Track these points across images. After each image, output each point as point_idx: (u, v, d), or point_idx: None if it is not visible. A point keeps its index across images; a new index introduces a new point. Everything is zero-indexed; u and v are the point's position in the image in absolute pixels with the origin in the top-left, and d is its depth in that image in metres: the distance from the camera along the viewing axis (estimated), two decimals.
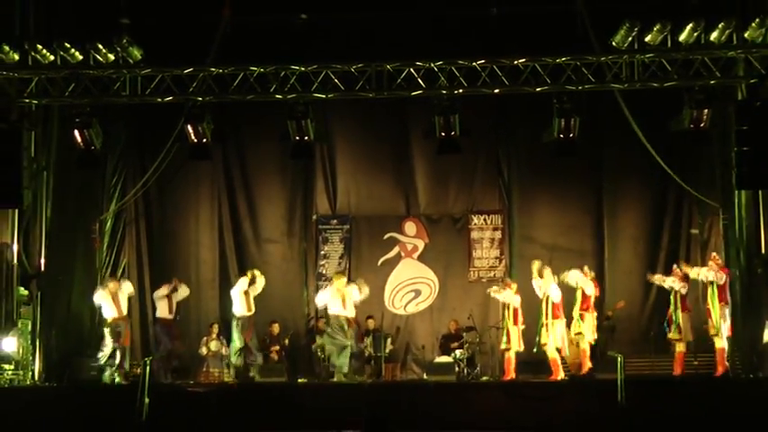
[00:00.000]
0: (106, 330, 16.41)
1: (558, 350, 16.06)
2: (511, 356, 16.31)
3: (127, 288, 16.88)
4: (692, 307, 16.11)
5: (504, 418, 13.92)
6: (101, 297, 16.53)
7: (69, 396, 15.12)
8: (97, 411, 14.21)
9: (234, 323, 16.91)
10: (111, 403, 14.39)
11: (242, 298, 16.87)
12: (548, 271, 16.24)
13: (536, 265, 16.40)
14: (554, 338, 16.00)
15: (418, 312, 18.80)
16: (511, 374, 16.26)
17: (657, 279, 16.47)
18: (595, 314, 16.33)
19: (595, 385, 15.08)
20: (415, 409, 13.98)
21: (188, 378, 17.05)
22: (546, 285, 16.11)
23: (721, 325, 15.52)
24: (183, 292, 17.20)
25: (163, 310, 17.16)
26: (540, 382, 15.82)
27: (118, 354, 16.35)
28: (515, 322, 16.28)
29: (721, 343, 15.58)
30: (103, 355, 16.38)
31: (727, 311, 15.67)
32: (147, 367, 14.01)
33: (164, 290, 17.11)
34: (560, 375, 15.97)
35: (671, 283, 16.03)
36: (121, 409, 13.78)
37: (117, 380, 16.29)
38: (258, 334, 17.55)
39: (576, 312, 16.13)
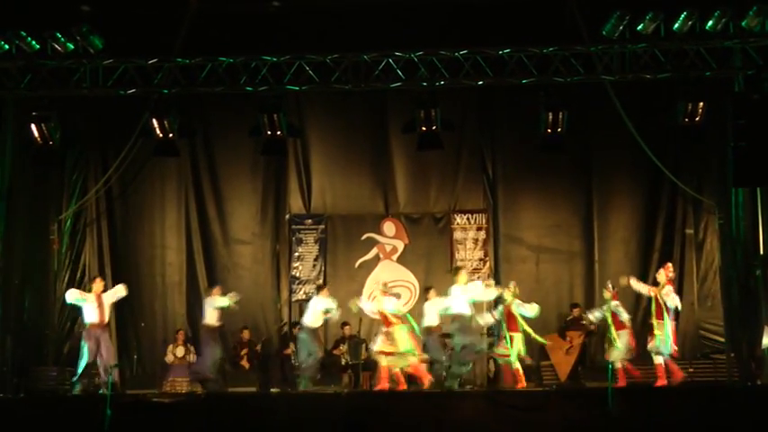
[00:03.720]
0: (84, 337, 15.46)
1: None
2: (515, 364, 15.47)
3: (117, 291, 15.89)
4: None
5: (488, 428, 13.36)
6: (81, 298, 15.63)
7: (25, 408, 14.47)
8: (55, 424, 13.52)
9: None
10: (71, 415, 13.68)
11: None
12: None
13: None
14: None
15: None
16: (522, 383, 15.46)
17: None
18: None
19: (584, 394, 14.73)
20: (394, 418, 13.39)
21: (152, 388, 16.56)
22: None
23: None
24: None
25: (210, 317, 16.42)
26: (526, 391, 15.31)
27: (99, 365, 15.39)
28: (515, 328, 15.47)
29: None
30: (81, 367, 15.32)
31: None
32: (110, 377, 13.59)
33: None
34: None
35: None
36: (81, 421, 13.20)
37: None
38: (227, 340, 17.30)
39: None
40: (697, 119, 15.89)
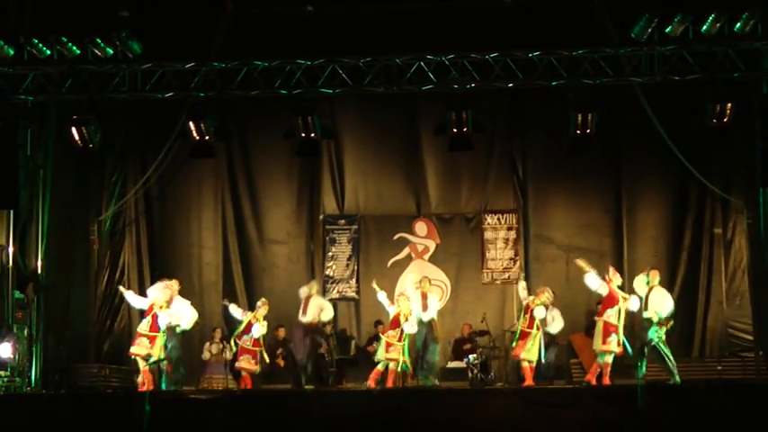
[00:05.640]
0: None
1: None
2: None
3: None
4: None
5: (519, 426, 13.57)
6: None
7: (68, 404, 14.70)
8: (96, 420, 13.84)
9: None
10: (111, 411, 14.03)
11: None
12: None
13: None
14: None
15: None
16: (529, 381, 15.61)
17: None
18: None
19: (614, 391, 14.64)
20: (427, 416, 13.60)
21: (190, 384, 16.65)
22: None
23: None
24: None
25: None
26: (557, 389, 15.49)
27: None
28: (530, 326, 15.56)
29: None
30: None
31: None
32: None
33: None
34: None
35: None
36: (121, 417, 13.49)
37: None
38: (263, 338, 17.08)
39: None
40: (725, 119, 15.74)
